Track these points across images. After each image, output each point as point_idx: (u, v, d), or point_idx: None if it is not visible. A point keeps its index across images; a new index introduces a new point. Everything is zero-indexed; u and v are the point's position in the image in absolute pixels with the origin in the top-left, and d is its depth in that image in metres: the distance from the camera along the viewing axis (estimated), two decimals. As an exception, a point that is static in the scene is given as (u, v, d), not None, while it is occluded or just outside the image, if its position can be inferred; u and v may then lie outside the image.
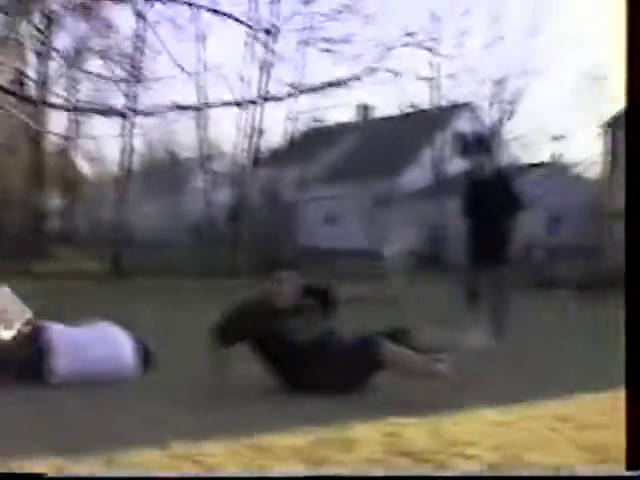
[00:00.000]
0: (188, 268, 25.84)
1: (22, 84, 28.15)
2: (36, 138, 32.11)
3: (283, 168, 33.42)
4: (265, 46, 30.19)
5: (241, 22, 24.34)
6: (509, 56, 42.44)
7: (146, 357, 7.07)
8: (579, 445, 4.36)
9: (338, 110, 40.32)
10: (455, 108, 37.59)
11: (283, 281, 6.42)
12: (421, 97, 37.45)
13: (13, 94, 23.19)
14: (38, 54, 29.77)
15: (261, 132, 31.71)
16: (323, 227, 41.31)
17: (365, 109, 47.09)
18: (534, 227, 20.95)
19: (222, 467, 4.11)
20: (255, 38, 30.27)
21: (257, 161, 33.05)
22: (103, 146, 47.96)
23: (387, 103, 64.36)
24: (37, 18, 25.43)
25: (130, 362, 6.91)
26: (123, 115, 26.86)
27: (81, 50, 29.14)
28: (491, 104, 35.61)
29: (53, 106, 26.07)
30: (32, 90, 29.89)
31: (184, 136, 44.92)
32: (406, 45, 25.47)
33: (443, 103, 36.67)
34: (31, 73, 30.46)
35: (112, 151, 77.05)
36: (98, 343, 6.82)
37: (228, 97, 29.35)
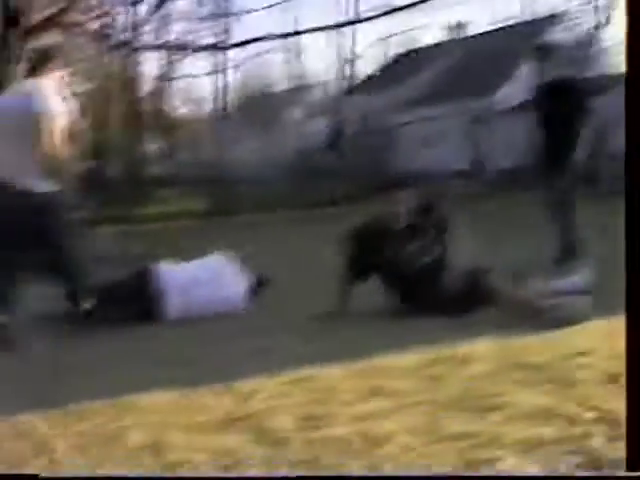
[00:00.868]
0: (288, 201, 25.85)
1: (115, 29, 28.24)
2: (130, 82, 32.30)
3: (378, 93, 33.06)
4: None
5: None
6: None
7: (260, 287, 6.99)
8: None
9: (431, 30, 39.80)
10: (549, 19, 36.54)
11: (396, 203, 6.23)
12: (513, 9, 36.62)
13: (106, 39, 23.25)
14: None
15: (354, 58, 31.37)
16: (421, 149, 40.92)
17: (458, 27, 46.22)
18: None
19: (337, 388, 4.06)
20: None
21: (352, 88, 32.79)
22: (197, 85, 48.25)
23: (480, 20, 63.28)
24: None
25: (242, 295, 6.82)
26: (216, 48, 26.76)
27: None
28: (586, 12, 34.39)
29: (145, 48, 26.07)
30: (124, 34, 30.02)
31: (278, 69, 44.90)
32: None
33: (536, 15, 35.74)
34: (122, 18, 30.56)
35: (207, 90, 77.54)
36: (209, 279, 6.75)
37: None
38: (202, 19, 29.05)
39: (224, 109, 33.82)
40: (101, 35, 22.58)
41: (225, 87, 32.96)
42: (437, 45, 44.80)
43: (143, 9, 31.51)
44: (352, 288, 6.31)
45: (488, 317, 5.61)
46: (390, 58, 35.06)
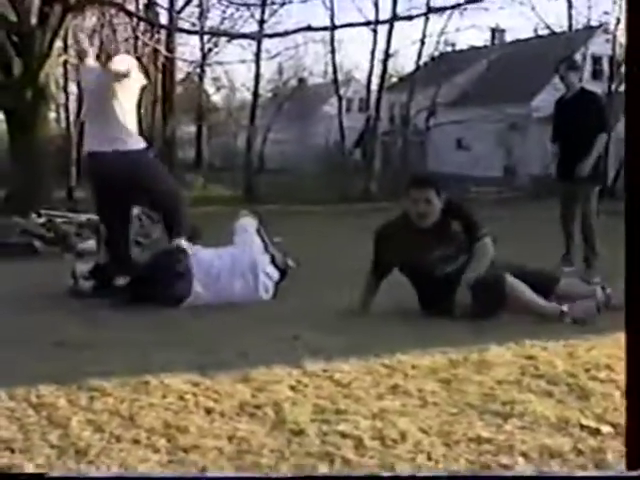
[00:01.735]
0: (319, 193, 25.86)
1: (153, 11, 28.34)
2: (166, 65, 32.38)
3: (413, 92, 33.00)
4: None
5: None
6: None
7: (283, 278, 7.00)
8: None
9: (471, 33, 39.64)
10: (590, 29, 36.26)
11: (420, 201, 6.14)
12: (555, 18, 36.37)
13: (144, 20, 23.34)
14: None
15: (390, 56, 31.30)
16: (454, 152, 40.85)
17: (498, 32, 46.04)
18: None
19: (355, 383, 4.05)
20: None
21: (387, 85, 32.72)
22: (233, 73, 48.32)
23: (521, 25, 63.04)
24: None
25: (267, 285, 6.82)
26: (251, 37, 26.82)
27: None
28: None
29: (183, 31, 26.19)
30: (162, 17, 30.13)
31: (314, 61, 44.92)
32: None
33: (578, 24, 35.44)
34: (161, 1, 30.68)
35: (241, 78, 77.64)
36: (234, 265, 6.76)
37: (358, 20, 29.04)
38: (239, 7, 29.11)
39: (257, 97, 33.79)
40: (139, 16, 22.68)
41: (260, 76, 32.91)
42: (475, 48, 44.68)
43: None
44: (378, 284, 6.29)
45: (510, 321, 5.58)
46: (427, 58, 34.92)
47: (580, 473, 2.89)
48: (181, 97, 40.10)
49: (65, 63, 24.79)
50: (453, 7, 25.28)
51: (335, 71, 33.14)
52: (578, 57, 34.89)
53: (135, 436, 3.31)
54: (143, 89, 6.69)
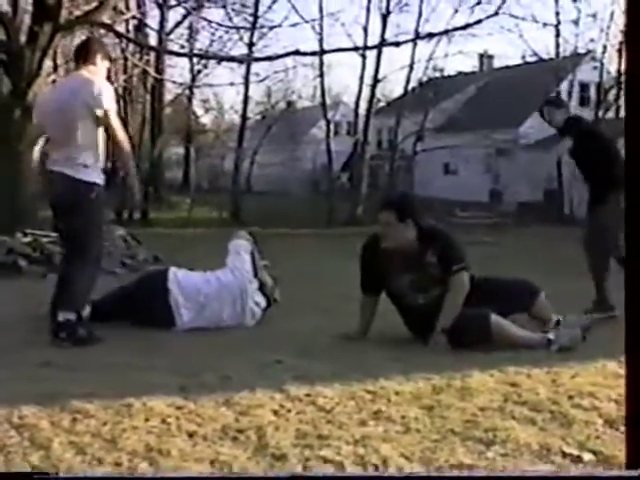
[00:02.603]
0: (306, 216, 25.89)
1: (142, 33, 28.41)
2: (155, 87, 32.44)
3: (401, 117, 33.10)
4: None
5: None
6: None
7: (270, 305, 6.97)
8: None
9: (459, 59, 39.82)
10: (578, 57, 36.46)
11: (380, 222, 6.06)
12: (543, 45, 36.56)
13: (133, 42, 23.40)
14: (158, 3, 29.94)
15: (379, 81, 31.41)
16: (441, 177, 40.96)
17: (486, 58, 46.27)
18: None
19: (338, 408, 4.04)
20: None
21: (375, 110, 32.81)
22: (221, 95, 48.41)
23: (509, 52, 63.31)
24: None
25: (255, 312, 6.80)
26: (240, 61, 26.92)
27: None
28: (618, 51, 34.27)
29: (172, 53, 26.25)
30: (152, 38, 30.19)
31: (303, 84, 45.02)
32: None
33: (565, 52, 35.62)
34: (151, 22, 30.74)
35: (230, 100, 77.72)
36: (222, 291, 6.73)
37: (347, 45, 29.16)
38: (229, 30, 29.19)
39: (245, 119, 33.87)
40: (128, 38, 22.73)
41: (248, 98, 33.01)
42: (463, 74, 44.90)
43: (173, 16, 31.92)
44: (373, 304, 6.19)
45: (493, 348, 5.58)
46: (415, 83, 35.05)
47: (580, 473, 2.89)
48: (170, 118, 40.13)
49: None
50: (441, 33, 25.46)
51: (323, 95, 33.24)
52: (565, 84, 35.16)
53: (117, 459, 3.30)
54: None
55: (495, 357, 5.29)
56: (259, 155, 38.70)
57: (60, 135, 6.16)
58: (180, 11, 31.80)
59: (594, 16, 32.11)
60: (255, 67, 31.36)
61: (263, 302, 6.87)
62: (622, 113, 28.04)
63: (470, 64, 47.20)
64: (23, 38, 14.13)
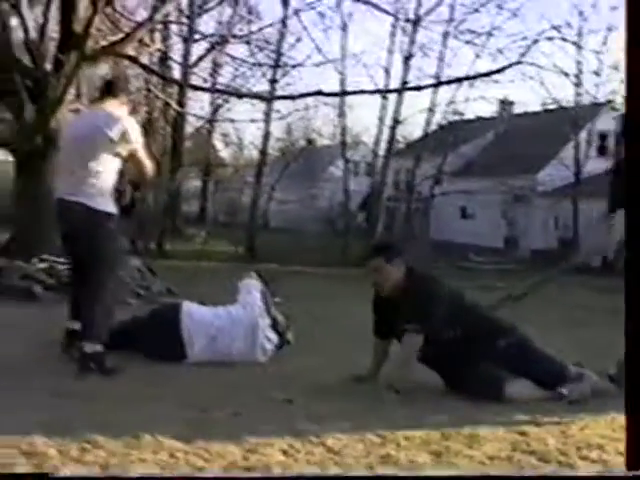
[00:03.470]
0: (321, 255, 25.89)
1: (166, 66, 28.61)
2: (176, 119, 32.60)
3: (419, 159, 33.16)
4: (408, 36, 30.09)
5: (384, 11, 24.26)
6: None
7: (282, 345, 6.95)
8: None
9: (479, 104, 39.90)
10: (597, 106, 36.50)
11: (370, 270, 6.06)
12: (563, 93, 36.59)
13: (157, 74, 23.56)
14: (182, 37, 30.14)
15: (399, 123, 31.48)
16: (457, 221, 40.95)
17: (506, 104, 46.35)
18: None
19: (346, 450, 4.04)
20: (398, 28, 30.23)
21: (393, 151, 32.87)
22: (242, 130, 48.60)
23: (529, 99, 63.39)
24: (183, 2, 25.74)
25: (266, 349, 6.80)
26: (263, 99, 27.05)
27: (225, 35, 29.33)
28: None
29: (195, 88, 26.35)
30: (175, 72, 30.41)
31: (324, 123, 45.12)
32: (550, 39, 24.93)
33: (585, 101, 35.67)
34: (175, 55, 30.96)
35: (250, 135, 78.04)
36: (233, 325, 6.73)
37: (369, 86, 29.32)
38: (252, 67, 29.39)
39: (265, 156, 33.97)
40: (152, 70, 22.89)
41: (269, 134, 33.10)
42: (483, 119, 44.98)
43: (197, 50, 32.15)
44: (385, 346, 6.14)
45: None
46: (435, 126, 35.12)
47: (580, 473, 2.88)
48: (189, 151, 40.29)
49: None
50: (463, 79, 25.54)
51: (343, 134, 33.28)
52: (584, 134, 35.21)
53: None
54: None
55: (505, 405, 5.27)
56: (277, 191, 38.79)
57: (78, 165, 6.20)
58: (204, 45, 32.13)
59: (616, 68, 32.13)
60: (277, 104, 31.44)
61: (275, 339, 6.86)
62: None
63: (490, 109, 47.33)
64: (49, 66, 14.28)
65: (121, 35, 16.06)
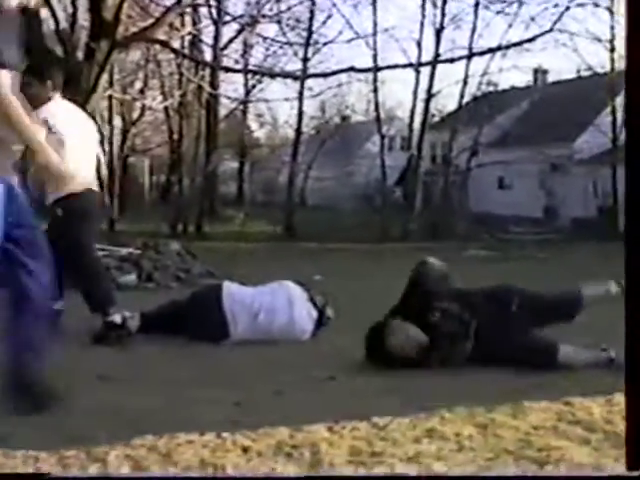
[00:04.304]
0: (359, 231, 25.87)
1: (197, 49, 28.65)
2: (210, 102, 32.65)
3: (455, 132, 32.98)
4: (439, 8, 29.92)
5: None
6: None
7: (323, 323, 6.96)
8: None
9: (513, 74, 39.55)
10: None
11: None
12: (597, 59, 36.14)
13: (189, 58, 23.60)
14: (212, 20, 30.15)
15: (434, 95, 31.35)
16: (495, 192, 40.71)
17: (540, 73, 45.95)
18: None
19: (392, 426, 4.01)
20: (428, 0, 30.06)
21: (428, 125, 32.73)
22: (276, 110, 48.62)
23: (563, 66, 62.79)
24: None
25: (307, 327, 6.81)
26: (296, 78, 27.03)
27: (254, 15, 29.31)
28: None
29: (227, 69, 26.44)
30: (207, 55, 30.42)
31: (357, 99, 45.02)
32: (582, 5, 24.69)
33: (620, 66, 35.20)
34: (206, 38, 30.98)
35: (284, 115, 78.06)
36: (273, 302, 6.76)
37: (401, 60, 29.19)
38: (283, 46, 29.38)
39: (300, 135, 33.93)
40: (184, 53, 22.94)
41: (302, 113, 33.09)
42: (517, 89, 44.62)
43: (227, 31, 32.19)
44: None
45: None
46: (469, 98, 34.86)
47: (580, 473, 2.87)
48: (224, 132, 40.34)
49: (110, 97, 25.05)
50: (495, 50, 25.37)
51: (377, 109, 33.17)
52: (620, 99, 34.80)
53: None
54: None
55: (549, 375, 5.25)
56: (313, 169, 38.82)
57: None
58: (234, 26, 32.11)
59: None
60: (309, 82, 31.42)
61: (314, 315, 6.86)
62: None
63: (524, 79, 46.90)
64: (80, 54, 14.35)
65: (151, 20, 16.13)
